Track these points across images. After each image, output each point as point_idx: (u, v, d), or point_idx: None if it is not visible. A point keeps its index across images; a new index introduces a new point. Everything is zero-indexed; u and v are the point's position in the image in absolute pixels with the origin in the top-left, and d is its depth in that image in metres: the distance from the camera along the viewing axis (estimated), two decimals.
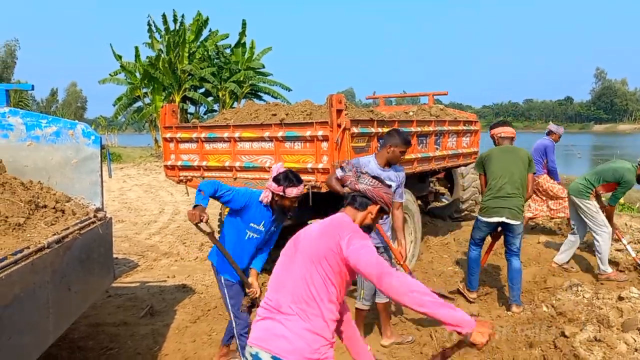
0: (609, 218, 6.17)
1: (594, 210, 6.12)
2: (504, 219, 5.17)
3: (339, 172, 4.16)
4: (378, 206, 2.52)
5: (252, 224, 3.72)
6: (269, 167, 5.68)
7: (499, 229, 5.42)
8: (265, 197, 3.65)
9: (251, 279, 3.80)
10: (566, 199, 7.56)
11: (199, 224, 3.44)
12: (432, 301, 2.05)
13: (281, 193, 3.57)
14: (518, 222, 5.18)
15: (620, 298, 5.01)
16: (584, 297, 5.25)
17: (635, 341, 4.07)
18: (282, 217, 3.81)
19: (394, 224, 4.51)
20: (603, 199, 6.31)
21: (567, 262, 6.50)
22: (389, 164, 4.38)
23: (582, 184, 6.22)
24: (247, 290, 3.77)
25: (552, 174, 7.92)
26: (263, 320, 2.32)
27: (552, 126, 8.18)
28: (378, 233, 4.37)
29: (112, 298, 5.77)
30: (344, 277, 2.33)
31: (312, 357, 2.20)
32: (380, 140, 5.91)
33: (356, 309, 4.50)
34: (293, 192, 3.59)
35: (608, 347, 4.06)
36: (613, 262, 6.49)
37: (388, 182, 4.32)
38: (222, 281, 3.84)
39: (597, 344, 4.14)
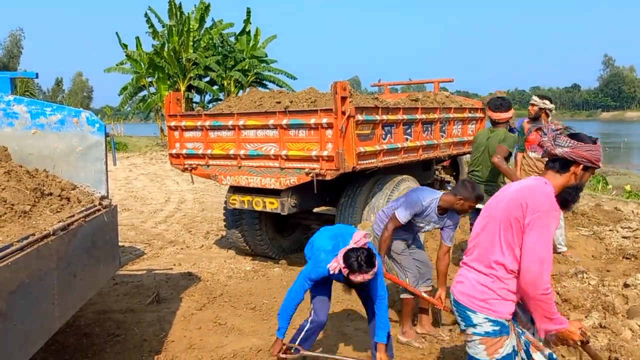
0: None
1: None
2: None
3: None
4: (581, 166, 2.41)
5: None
6: (274, 155, 5.68)
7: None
8: (333, 268, 3.41)
9: (379, 355, 3.57)
10: None
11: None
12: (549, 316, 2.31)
13: (345, 275, 3.34)
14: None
15: (626, 285, 5.00)
16: (589, 284, 5.24)
17: None
18: (348, 289, 3.62)
19: (438, 267, 4.33)
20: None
21: (563, 242, 6.47)
22: (446, 210, 4.20)
23: None
24: None
25: None
26: (459, 269, 2.64)
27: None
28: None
29: (119, 285, 5.81)
30: None
31: (479, 305, 2.44)
32: (386, 128, 5.90)
33: (402, 299, 4.47)
34: (357, 278, 3.30)
35: (613, 334, 4.06)
36: (620, 250, 6.48)
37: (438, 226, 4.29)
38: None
39: (602, 330, 4.15)
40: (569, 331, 2.37)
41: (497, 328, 2.42)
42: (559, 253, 6.35)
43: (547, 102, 6.18)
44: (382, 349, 3.56)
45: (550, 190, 2.38)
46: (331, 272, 3.42)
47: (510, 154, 5.50)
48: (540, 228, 2.28)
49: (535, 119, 6.22)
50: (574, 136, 2.44)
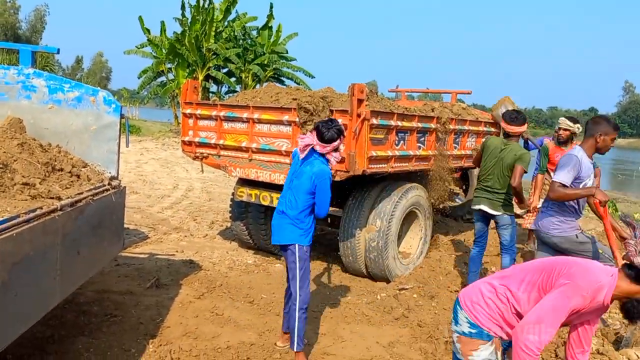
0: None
1: None
2: (481, 207, 5.49)
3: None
4: None
5: None
6: (285, 151, 5.68)
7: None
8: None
9: None
10: None
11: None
12: None
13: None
14: (498, 213, 5.39)
15: None
16: None
17: (638, 357, 4.03)
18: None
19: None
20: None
21: None
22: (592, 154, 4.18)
23: None
24: None
25: None
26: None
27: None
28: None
29: (120, 267, 5.84)
30: None
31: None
32: (399, 134, 5.88)
33: None
34: None
35: None
36: None
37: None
38: (306, 250, 3.99)
39: (600, 357, 4.11)
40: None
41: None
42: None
43: (579, 125, 6.11)
44: None
45: (607, 282, 2.19)
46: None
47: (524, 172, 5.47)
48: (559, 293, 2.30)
49: (564, 142, 6.17)
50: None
